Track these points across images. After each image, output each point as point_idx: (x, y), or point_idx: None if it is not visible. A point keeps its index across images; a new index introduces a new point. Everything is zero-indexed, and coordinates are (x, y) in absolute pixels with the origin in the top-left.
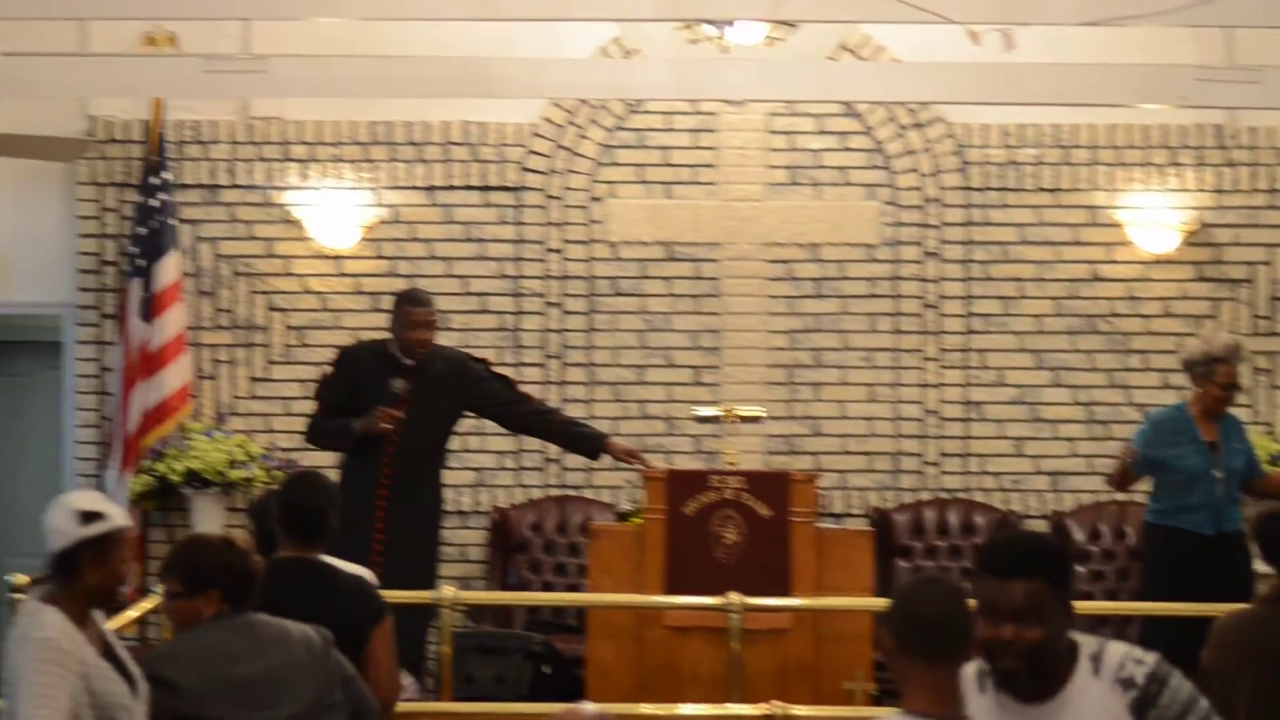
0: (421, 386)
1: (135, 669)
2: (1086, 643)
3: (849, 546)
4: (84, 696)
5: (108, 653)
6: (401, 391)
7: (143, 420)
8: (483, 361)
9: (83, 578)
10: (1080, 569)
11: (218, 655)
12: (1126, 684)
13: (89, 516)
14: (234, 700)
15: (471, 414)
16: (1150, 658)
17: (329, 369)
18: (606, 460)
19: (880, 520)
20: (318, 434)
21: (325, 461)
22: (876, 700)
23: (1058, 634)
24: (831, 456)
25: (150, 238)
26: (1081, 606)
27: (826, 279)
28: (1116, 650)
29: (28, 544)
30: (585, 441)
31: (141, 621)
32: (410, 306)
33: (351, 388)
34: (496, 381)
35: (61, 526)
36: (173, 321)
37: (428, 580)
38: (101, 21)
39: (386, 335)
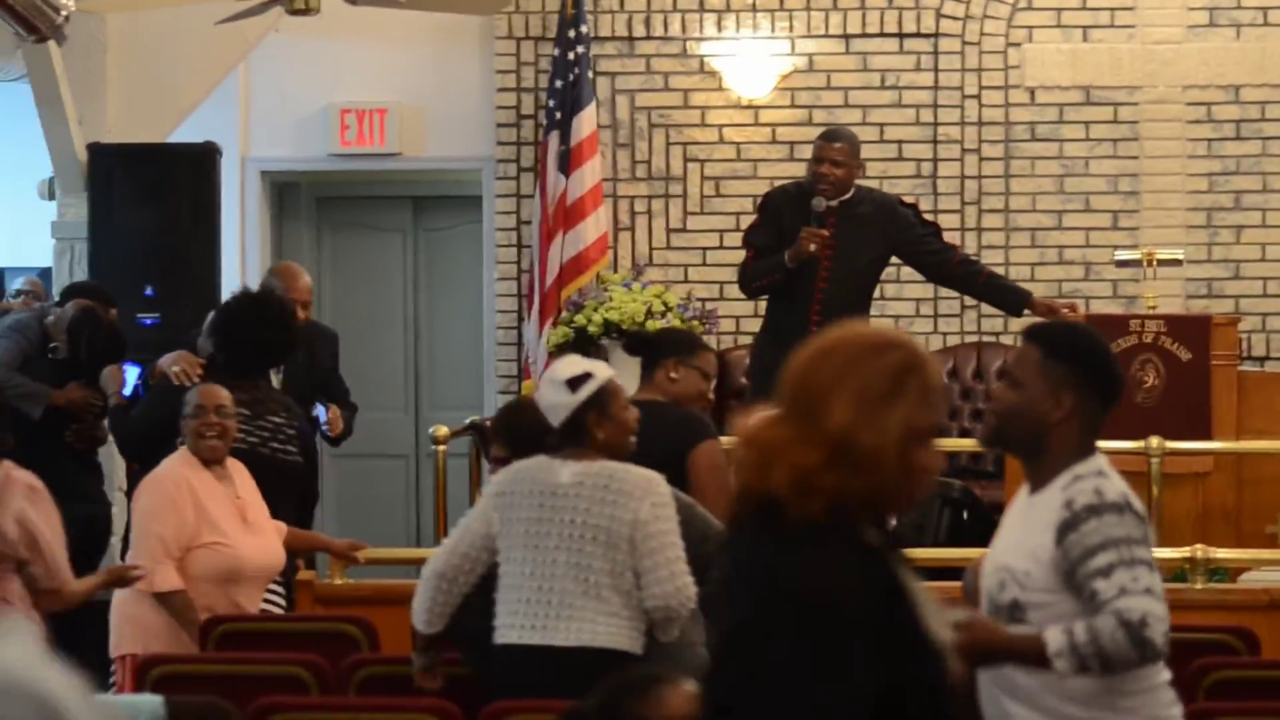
0: (848, 228)
1: None
2: (1090, 462)
3: (1271, 390)
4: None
5: None
6: (821, 210)
7: (561, 272)
8: (912, 207)
9: (593, 439)
10: None
11: None
12: (1069, 504)
13: (576, 382)
14: None
15: (897, 260)
16: (1115, 494)
17: (755, 215)
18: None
19: None
20: (750, 277)
21: (743, 311)
22: None
23: (1040, 409)
24: (1252, 299)
25: (567, 91)
26: None
27: (1246, 120)
28: (1096, 476)
29: (451, 397)
30: (1010, 297)
31: None
32: (818, 141)
33: (778, 229)
34: (925, 229)
35: (555, 400)
36: (590, 174)
37: None
38: None
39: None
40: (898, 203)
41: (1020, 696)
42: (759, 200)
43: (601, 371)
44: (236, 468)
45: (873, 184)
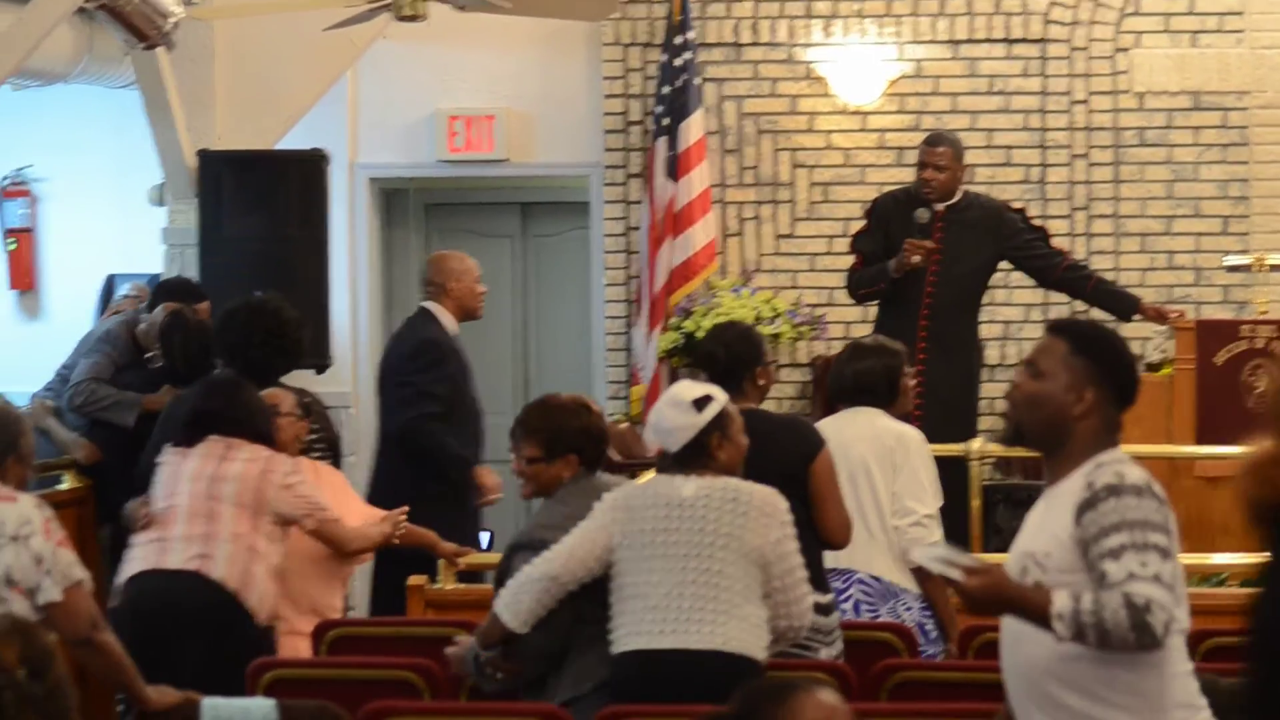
0: (955, 233)
1: None
2: (1114, 452)
3: None
4: None
5: None
6: (926, 221)
7: (669, 278)
8: (1020, 212)
9: (715, 459)
10: None
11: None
12: (1090, 485)
13: (701, 403)
14: None
15: (1006, 265)
16: (1138, 478)
17: (863, 222)
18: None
19: None
20: (857, 285)
21: (852, 316)
22: None
23: (1062, 401)
24: None
25: (675, 97)
26: None
27: None
28: (1119, 462)
29: None
30: (1119, 302)
31: None
32: (921, 146)
33: (884, 235)
34: (1032, 233)
35: (680, 421)
36: (698, 179)
37: (968, 435)
38: None
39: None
40: (1005, 208)
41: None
42: (867, 206)
43: (719, 394)
44: (311, 470)
45: (981, 189)
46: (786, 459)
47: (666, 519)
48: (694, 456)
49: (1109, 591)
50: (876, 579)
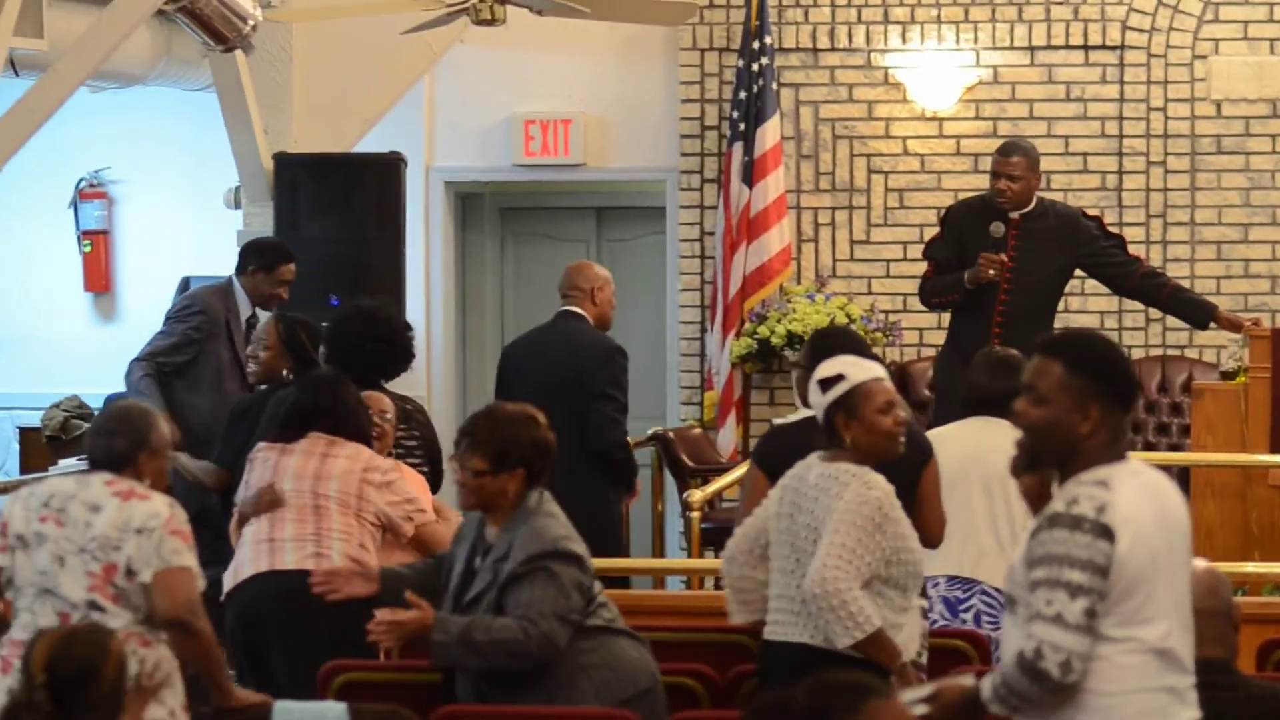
0: (1029, 241)
1: None
2: (1099, 470)
3: None
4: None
5: None
6: (1000, 235)
7: (744, 283)
8: (1096, 219)
9: (843, 440)
10: None
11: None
12: (1046, 510)
13: (827, 383)
14: None
15: (1081, 273)
16: (1088, 507)
17: (938, 229)
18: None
19: None
20: (929, 293)
21: (926, 323)
22: None
23: (1069, 423)
24: None
25: (751, 102)
26: None
27: None
28: (1092, 485)
29: (634, 407)
30: (1195, 310)
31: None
32: (995, 155)
33: (958, 243)
34: (1108, 241)
35: (813, 400)
36: (774, 185)
37: None
38: None
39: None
40: (1080, 215)
41: None
42: (941, 214)
43: (855, 374)
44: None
45: (1057, 196)
46: (903, 464)
47: (791, 504)
48: (828, 437)
49: (1009, 657)
50: (1000, 591)
